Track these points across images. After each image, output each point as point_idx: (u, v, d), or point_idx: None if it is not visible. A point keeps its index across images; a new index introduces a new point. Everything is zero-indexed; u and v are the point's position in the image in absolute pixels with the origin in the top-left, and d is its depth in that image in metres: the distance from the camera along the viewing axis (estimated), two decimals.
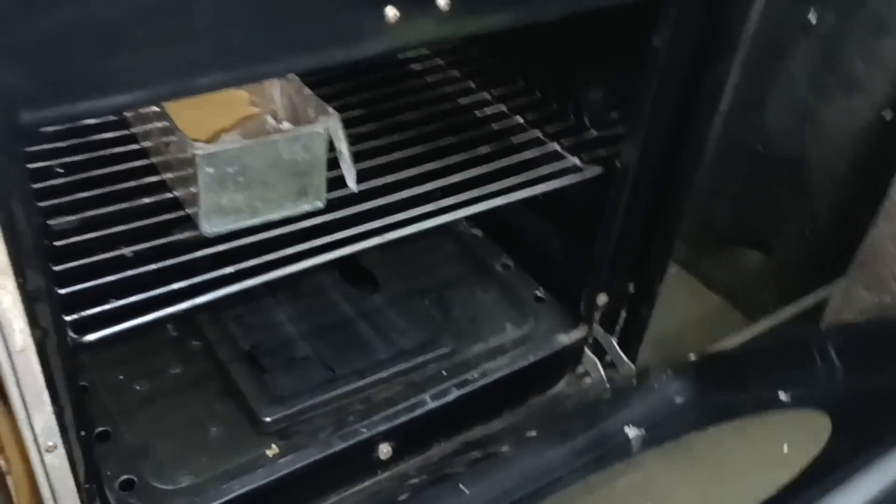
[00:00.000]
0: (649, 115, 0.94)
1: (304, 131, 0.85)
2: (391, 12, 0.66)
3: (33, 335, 0.65)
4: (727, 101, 0.94)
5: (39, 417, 0.68)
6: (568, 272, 1.12)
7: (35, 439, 0.68)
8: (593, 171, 1.00)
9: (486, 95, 1.12)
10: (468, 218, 1.25)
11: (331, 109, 0.86)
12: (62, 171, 0.92)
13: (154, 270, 0.80)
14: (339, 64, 0.67)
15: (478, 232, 1.26)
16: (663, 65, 0.90)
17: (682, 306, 1.21)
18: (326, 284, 1.15)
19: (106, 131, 0.97)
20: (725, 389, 0.99)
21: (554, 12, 0.78)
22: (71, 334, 0.72)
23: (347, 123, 0.90)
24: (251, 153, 0.82)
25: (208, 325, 1.06)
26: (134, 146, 0.96)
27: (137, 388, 1.00)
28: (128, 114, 0.99)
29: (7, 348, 0.64)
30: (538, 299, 1.16)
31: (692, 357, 1.03)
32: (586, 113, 1.03)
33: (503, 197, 0.97)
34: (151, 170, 0.93)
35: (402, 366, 1.04)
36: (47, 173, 0.91)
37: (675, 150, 0.97)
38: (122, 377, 1.00)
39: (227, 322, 1.07)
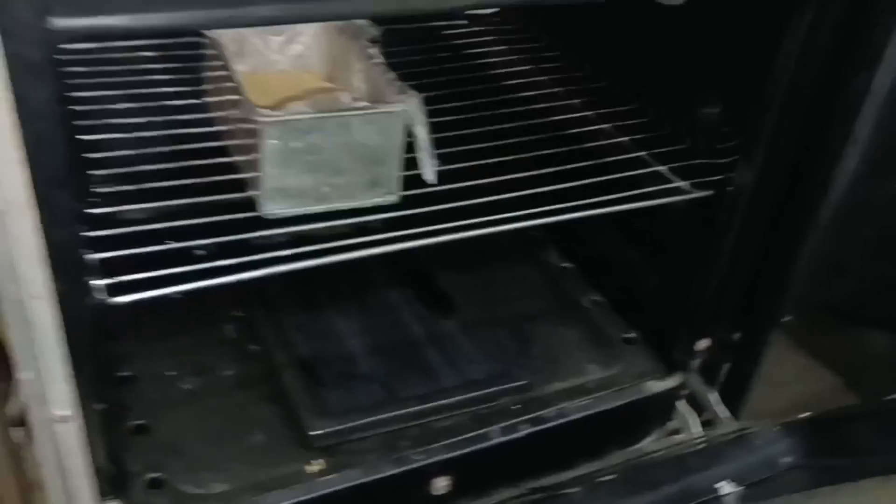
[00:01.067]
0: (770, 133, 0.83)
1: (380, 111, 0.78)
2: None
3: (56, 284, 0.59)
4: (866, 125, 0.82)
5: (53, 380, 0.62)
6: (664, 312, 1.00)
7: (44, 403, 0.61)
8: (702, 193, 0.89)
9: (589, 113, 1.03)
10: (559, 249, 1.17)
11: (412, 91, 0.79)
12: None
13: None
14: (418, 11, 0.59)
15: (568, 265, 1.15)
16: (791, 76, 0.79)
17: (790, 381, 1.06)
18: (397, 302, 1.07)
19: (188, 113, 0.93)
20: (843, 452, 0.84)
21: None
22: (100, 295, 0.65)
23: (437, 128, 0.82)
24: (321, 128, 0.76)
25: (269, 330, 1.00)
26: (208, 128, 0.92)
27: (184, 385, 0.93)
28: (209, 99, 0.95)
29: (20, 292, 0.58)
30: (628, 341, 1.04)
31: (803, 416, 0.89)
32: (699, 133, 0.92)
33: (593, 209, 0.86)
34: (223, 152, 0.88)
35: (470, 394, 0.94)
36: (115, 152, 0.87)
37: (799, 175, 0.85)
38: (170, 372, 0.94)
39: (289, 329, 1.00)
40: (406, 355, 1.00)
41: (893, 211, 0.92)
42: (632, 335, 1.05)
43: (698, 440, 0.90)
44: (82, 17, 0.51)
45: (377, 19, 0.87)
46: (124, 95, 0.94)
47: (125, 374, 0.93)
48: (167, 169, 0.83)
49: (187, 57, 1.01)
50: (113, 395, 0.84)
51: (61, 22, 0.50)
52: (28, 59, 0.51)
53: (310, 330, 1.00)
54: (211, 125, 0.92)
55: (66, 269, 0.59)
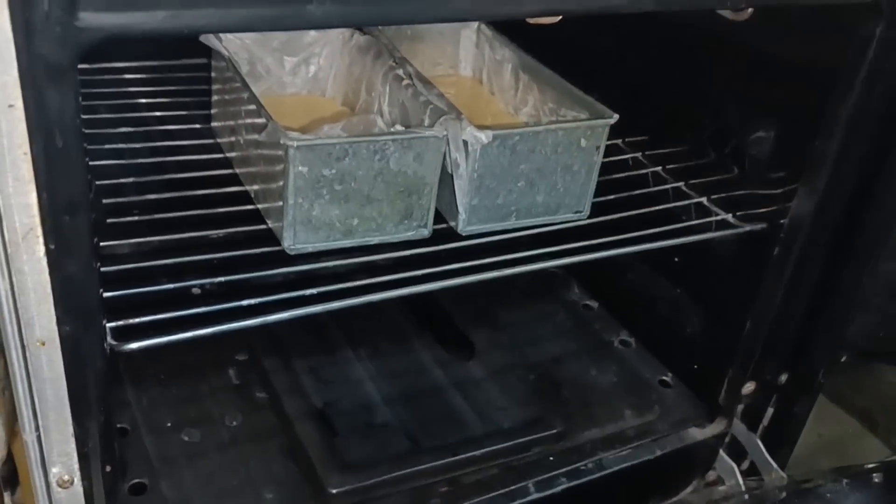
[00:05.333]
0: (833, 161, 0.77)
1: (421, 135, 0.71)
2: None
3: (60, 326, 0.50)
4: None
5: (56, 438, 0.53)
6: (707, 353, 0.93)
7: (43, 465, 0.52)
8: (753, 227, 0.83)
9: (619, 142, 0.97)
10: (582, 286, 1.10)
11: (453, 114, 0.72)
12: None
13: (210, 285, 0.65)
14: (484, 18, 0.53)
15: (592, 303, 1.09)
16: (857, 99, 0.74)
17: (810, 426, 1.00)
18: (416, 344, 0.99)
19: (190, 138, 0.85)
20: None
21: None
22: (110, 340, 0.57)
23: None
24: (355, 154, 0.68)
25: (277, 375, 0.91)
26: (217, 155, 0.84)
27: (186, 438, 0.84)
28: (216, 124, 0.87)
29: (22, 337, 0.49)
30: (664, 384, 0.97)
31: (868, 466, 0.82)
32: (748, 161, 0.86)
33: (627, 246, 0.80)
34: (234, 180, 0.81)
35: (501, 445, 0.86)
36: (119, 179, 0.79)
37: (860, 208, 0.79)
38: (169, 423, 0.85)
39: (300, 374, 0.91)
40: (428, 402, 0.91)
41: None
42: (668, 377, 0.98)
43: (752, 492, 0.83)
44: (116, 12, 0.43)
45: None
46: (119, 119, 0.86)
47: (119, 425, 0.83)
48: (172, 198, 0.75)
49: (180, 80, 0.94)
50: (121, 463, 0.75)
51: (92, 18, 0.42)
52: (51, 61, 0.43)
53: (322, 375, 0.92)
54: (218, 151, 0.85)
55: (80, 310, 0.50)
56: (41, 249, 0.47)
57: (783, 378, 0.90)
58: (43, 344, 0.50)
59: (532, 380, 0.96)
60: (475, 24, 0.93)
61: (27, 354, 0.49)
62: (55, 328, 0.50)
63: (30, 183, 0.45)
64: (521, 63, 0.88)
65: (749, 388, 0.90)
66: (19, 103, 0.43)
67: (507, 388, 0.95)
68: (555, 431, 0.89)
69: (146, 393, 0.88)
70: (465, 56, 0.96)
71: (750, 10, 0.70)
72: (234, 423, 0.86)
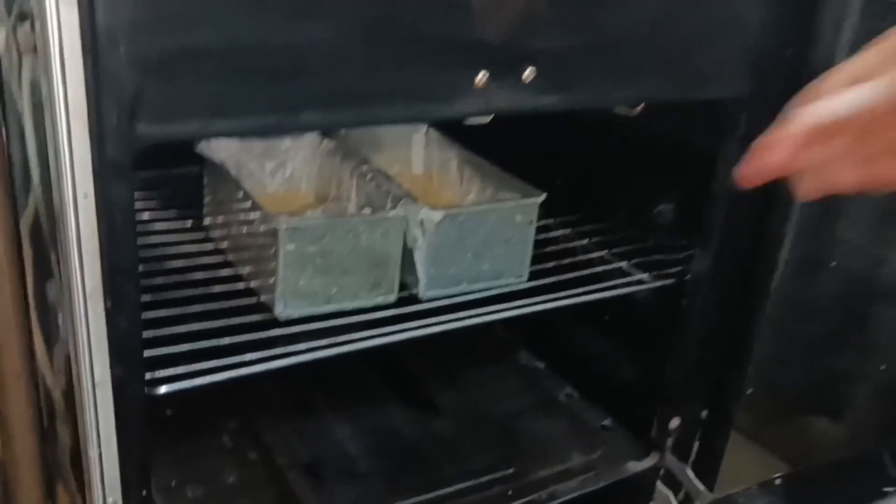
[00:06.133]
0: (721, 227, 0.95)
1: (384, 216, 0.87)
2: (481, 76, 0.70)
3: (112, 373, 0.64)
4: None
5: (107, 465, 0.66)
6: (637, 397, 1.08)
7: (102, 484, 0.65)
8: (664, 282, 1.00)
9: (552, 221, 1.14)
10: (531, 351, 1.25)
11: (409, 199, 0.89)
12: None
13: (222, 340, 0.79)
14: (431, 120, 0.70)
15: (540, 364, 1.24)
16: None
17: (746, 473, 1.15)
18: (388, 405, 1.12)
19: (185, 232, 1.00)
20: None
21: (633, 97, 0.81)
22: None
23: None
24: (333, 231, 0.84)
25: (267, 436, 1.03)
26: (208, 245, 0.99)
27: (190, 493, 0.95)
28: (208, 220, 1.02)
29: (83, 377, 0.62)
30: (605, 428, 1.12)
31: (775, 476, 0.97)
32: (657, 231, 1.03)
33: (562, 301, 0.96)
34: (226, 265, 0.95)
35: (466, 484, 0.99)
36: None
37: (749, 263, 0.97)
38: (174, 482, 0.96)
39: (287, 434, 1.04)
40: (402, 453, 1.04)
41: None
42: (608, 422, 1.12)
43: None
44: (162, 124, 0.59)
45: None
46: None
47: None
48: (176, 282, 0.89)
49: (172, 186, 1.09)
50: None
51: (146, 128, 0.58)
52: (115, 161, 0.58)
53: (307, 434, 1.05)
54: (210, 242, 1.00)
55: (130, 358, 0.64)
56: (101, 306, 0.61)
57: (704, 414, 1.05)
58: (98, 385, 0.63)
59: (490, 431, 1.10)
60: (424, 128, 1.11)
61: (88, 393, 0.63)
62: (108, 371, 0.63)
63: (96, 253, 0.60)
64: (464, 159, 1.06)
65: (675, 423, 1.05)
66: (91, 193, 0.58)
67: (470, 438, 1.08)
68: (511, 471, 1.02)
69: (153, 457, 0.99)
70: (416, 156, 1.14)
71: (640, 105, 0.88)
72: (232, 479, 0.98)
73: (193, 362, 0.76)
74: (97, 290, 0.61)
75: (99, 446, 0.63)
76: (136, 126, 0.58)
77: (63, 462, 0.84)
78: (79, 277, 0.59)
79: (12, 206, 0.74)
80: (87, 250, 0.59)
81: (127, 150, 0.58)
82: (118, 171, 0.59)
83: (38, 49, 0.54)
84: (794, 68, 0.86)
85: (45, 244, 0.73)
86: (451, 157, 1.08)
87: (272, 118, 0.63)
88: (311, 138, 1.05)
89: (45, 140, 0.59)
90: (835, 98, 0.47)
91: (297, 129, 0.65)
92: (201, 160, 1.01)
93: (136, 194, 1.05)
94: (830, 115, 0.47)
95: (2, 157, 0.72)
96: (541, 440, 1.09)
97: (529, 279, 0.98)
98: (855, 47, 0.52)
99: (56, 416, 0.83)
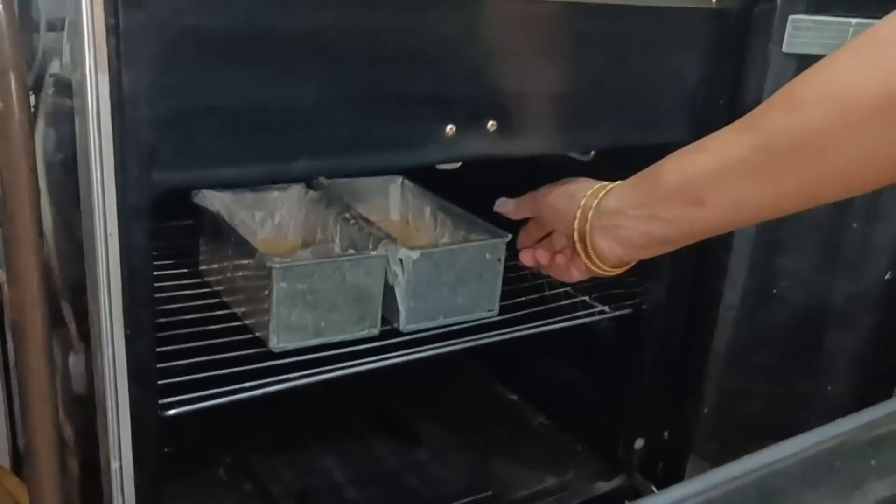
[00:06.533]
0: (671, 263, 1.05)
1: (366, 255, 0.96)
2: (450, 128, 0.81)
3: (131, 394, 0.72)
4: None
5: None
6: (604, 421, 1.17)
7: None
8: (623, 312, 1.09)
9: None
10: (505, 384, 1.34)
11: (389, 241, 0.98)
12: None
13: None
14: (407, 166, 0.80)
15: (514, 396, 1.32)
16: None
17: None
18: (373, 438, 1.20)
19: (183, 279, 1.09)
20: None
21: (585, 144, 0.92)
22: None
23: None
24: (321, 271, 0.93)
25: (260, 469, 1.11)
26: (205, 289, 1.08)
27: None
28: (203, 266, 1.11)
29: (108, 396, 0.70)
30: (576, 452, 1.20)
31: None
32: None
33: (531, 329, 1.05)
34: (222, 306, 1.04)
35: None
36: None
37: (698, 294, 1.07)
38: None
39: (279, 466, 1.12)
40: (387, 480, 1.12)
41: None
42: (578, 447, 1.21)
43: None
44: (175, 172, 0.68)
45: None
46: None
47: None
48: (180, 321, 0.98)
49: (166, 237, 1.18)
50: None
51: (161, 175, 0.68)
52: (136, 205, 0.67)
53: (298, 467, 1.12)
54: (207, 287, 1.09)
55: (145, 380, 0.72)
56: (121, 332, 0.70)
57: (666, 434, 1.14)
58: (119, 404, 0.71)
59: (469, 458, 1.18)
60: (399, 179, 1.22)
61: (111, 412, 0.71)
62: (127, 392, 0.72)
63: (118, 286, 0.68)
64: (437, 205, 1.16)
65: (640, 443, 1.14)
66: (115, 232, 0.67)
67: (450, 465, 1.16)
68: (490, 493, 1.10)
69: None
70: (393, 204, 1.24)
71: (592, 152, 0.99)
72: None
73: (198, 391, 0.84)
74: (119, 319, 0.69)
75: (120, 458, 0.70)
76: (152, 174, 0.67)
77: (71, 494, 0.91)
78: (106, 308, 0.68)
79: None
80: (114, 284, 0.68)
81: (145, 195, 0.67)
82: (138, 214, 0.68)
83: (77, 109, 0.63)
84: (728, 114, 0.97)
85: (56, 291, 0.82)
86: (425, 204, 1.18)
87: (269, 167, 0.73)
88: (296, 189, 1.15)
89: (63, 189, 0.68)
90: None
91: (291, 176, 0.74)
92: (194, 214, 1.11)
93: None
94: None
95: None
96: (516, 465, 1.17)
97: (501, 313, 1.07)
98: None
99: (66, 450, 0.90)
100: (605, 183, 0.79)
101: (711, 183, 0.63)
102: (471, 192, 1.10)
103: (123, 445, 0.71)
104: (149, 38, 0.64)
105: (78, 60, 0.61)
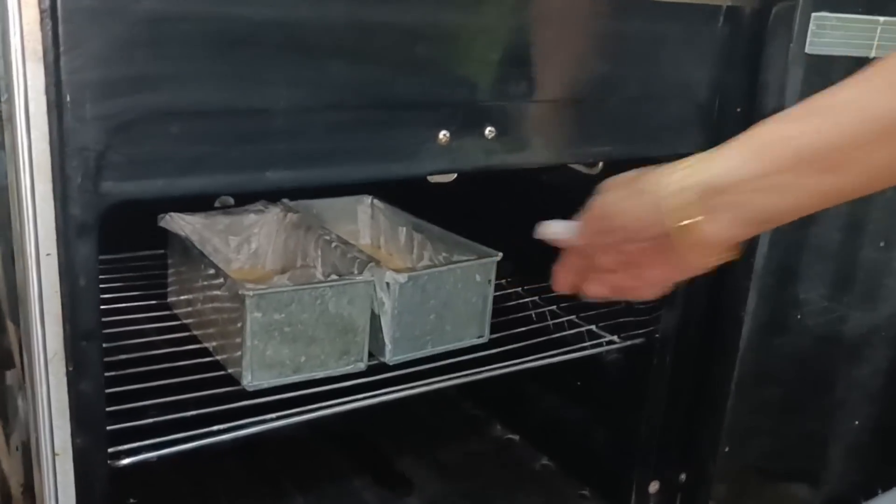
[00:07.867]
0: (685, 288, 0.96)
1: (351, 281, 0.86)
2: (443, 135, 0.72)
3: (74, 442, 0.62)
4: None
5: None
6: (613, 462, 1.07)
7: None
8: (633, 341, 1.00)
9: (519, 289, 1.15)
10: (504, 424, 1.24)
11: (374, 265, 0.89)
12: None
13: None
14: (396, 177, 0.71)
15: (514, 437, 1.22)
16: None
17: None
18: (358, 484, 1.09)
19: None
20: None
21: (593, 155, 0.83)
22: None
23: None
24: (300, 299, 0.83)
25: None
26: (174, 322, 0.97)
27: None
28: (172, 298, 1.01)
29: (43, 447, 0.60)
30: (583, 497, 1.10)
31: None
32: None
33: (535, 362, 0.95)
34: (192, 340, 0.94)
35: None
36: None
37: (714, 323, 0.97)
38: None
39: None
40: None
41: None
42: (586, 491, 1.10)
43: None
44: (128, 181, 0.59)
45: None
46: None
47: None
48: (147, 356, 0.88)
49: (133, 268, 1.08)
50: None
51: (111, 186, 0.58)
52: (79, 220, 0.57)
53: None
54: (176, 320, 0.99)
55: (91, 425, 0.62)
56: (63, 370, 0.60)
57: (683, 477, 1.04)
58: (58, 454, 0.61)
59: None
60: (368, 200, 1.12)
61: (47, 464, 0.60)
62: (69, 440, 0.61)
63: (58, 315, 0.58)
64: (413, 225, 1.06)
65: (654, 486, 1.03)
66: (54, 252, 0.57)
67: None
68: None
69: None
70: (362, 227, 1.15)
71: (600, 164, 0.90)
72: None
73: (157, 436, 0.74)
74: (59, 353, 0.59)
75: None
76: (100, 185, 0.58)
77: None
78: (40, 339, 0.58)
79: None
80: (50, 311, 0.58)
81: (91, 209, 0.58)
82: (82, 231, 0.58)
83: (2, 106, 0.54)
84: (745, 123, 0.88)
85: (3, 323, 0.72)
86: (399, 224, 1.09)
87: (238, 177, 0.63)
88: (274, 212, 1.05)
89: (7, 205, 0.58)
90: (549, 226, 0.70)
91: (263, 187, 0.65)
92: (163, 243, 1.01)
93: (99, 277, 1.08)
94: (549, 237, 0.70)
95: None
96: None
97: (499, 344, 0.97)
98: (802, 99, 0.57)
99: None
100: (668, 166, 0.63)
101: (851, 149, 0.54)
102: (450, 210, 1.01)
103: (62, 501, 0.61)
104: (95, 24, 0.55)
105: (5, 48, 0.52)
